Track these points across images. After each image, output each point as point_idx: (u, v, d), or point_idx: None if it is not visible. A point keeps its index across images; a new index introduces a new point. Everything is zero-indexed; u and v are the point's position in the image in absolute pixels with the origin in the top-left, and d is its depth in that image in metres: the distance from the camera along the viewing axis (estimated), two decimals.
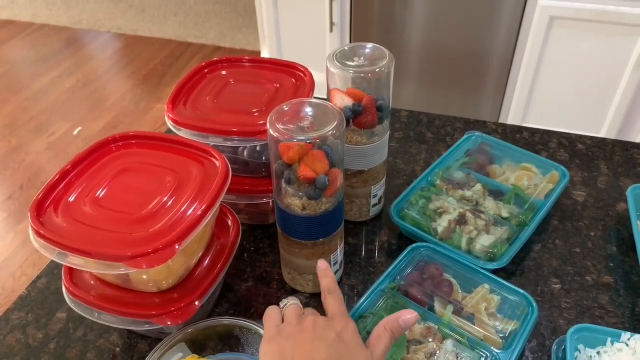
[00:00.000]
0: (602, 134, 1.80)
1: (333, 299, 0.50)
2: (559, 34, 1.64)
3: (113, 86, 2.69)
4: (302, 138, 0.54)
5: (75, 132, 2.37)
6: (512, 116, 1.85)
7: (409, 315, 0.48)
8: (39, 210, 0.53)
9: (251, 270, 0.70)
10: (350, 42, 1.88)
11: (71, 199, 0.55)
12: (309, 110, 0.57)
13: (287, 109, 0.57)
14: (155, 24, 3.13)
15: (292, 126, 0.55)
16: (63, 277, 0.59)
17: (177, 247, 0.50)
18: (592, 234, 0.73)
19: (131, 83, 2.69)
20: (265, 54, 2.04)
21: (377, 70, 0.63)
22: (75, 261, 0.49)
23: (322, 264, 0.56)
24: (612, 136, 1.78)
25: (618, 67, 1.65)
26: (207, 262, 0.62)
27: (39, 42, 3.06)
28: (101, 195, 0.56)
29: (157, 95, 2.58)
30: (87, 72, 2.79)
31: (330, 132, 0.54)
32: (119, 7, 3.33)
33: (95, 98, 2.59)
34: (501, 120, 1.89)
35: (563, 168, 0.77)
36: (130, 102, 2.54)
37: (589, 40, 1.62)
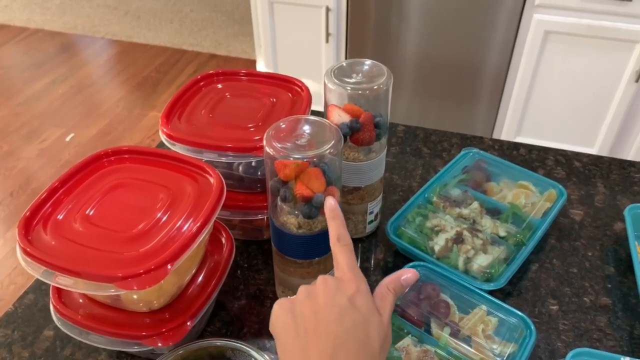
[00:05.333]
0: (595, 147, 1.80)
1: (342, 250, 0.47)
2: (554, 48, 1.64)
3: (107, 93, 2.67)
4: (299, 156, 0.53)
5: (68, 139, 2.35)
6: (506, 129, 1.85)
7: (409, 273, 0.48)
8: (27, 227, 0.51)
9: (244, 288, 0.69)
10: (346, 52, 1.87)
11: (61, 215, 0.54)
12: (306, 127, 0.56)
13: (283, 125, 0.56)
14: (151, 31, 3.12)
15: (288, 144, 0.54)
16: (51, 295, 0.57)
17: (169, 267, 0.49)
18: (590, 253, 0.72)
19: (125, 90, 2.67)
20: (260, 62, 2.03)
21: (375, 87, 0.63)
22: (63, 281, 0.48)
23: (330, 202, 0.51)
24: (605, 149, 1.79)
25: (612, 82, 1.66)
26: (199, 280, 0.60)
27: (33, 47, 3.04)
28: (92, 212, 0.54)
29: (151, 103, 2.56)
30: (80, 78, 2.77)
31: (327, 151, 0.53)
32: (114, 13, 3.32)
33: (88, 104, 2.58)
34: (495, 133, 1.90)
35: (560, 186, 0.77)
36: (124, 109, 2.53)
37: (583, 55, 1.63)
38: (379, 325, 0.42)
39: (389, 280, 0.47)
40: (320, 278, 0.45)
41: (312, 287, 0.44)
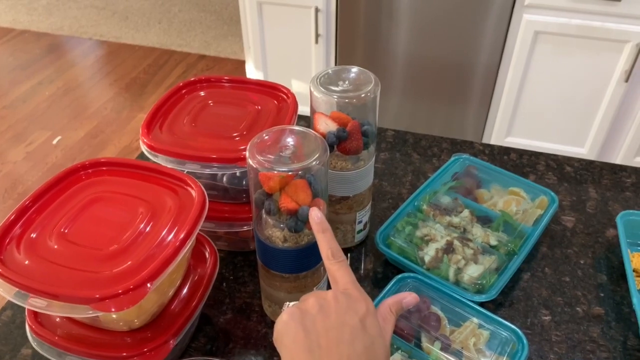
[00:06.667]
0: (586, 147, 1.80)
1: (340, 267, 0.46)
2: (544, 48, 1.64)
3: (94, 94, 2.63)
4: (284, 169, 0.51)
5: (55, 142, 2.31)
6: (496, 129, 1.84)
7: (410, 297, 0.48)
8: None
9: (230, 301, 0.67)
10: (336, 53, 1.86)
11: (35, 233, 0.52)
12: (290, 138, 0.54)
13: (267, 137, 0.54)
14: (139, 31, 3.09)
15: (272, 156, 0.52)
16: (27, 314, 0.55)
17: (149, 285, 0.47)
18: (582, 261, 0.71)
19: (113, 91, 2.63)
20: (249, 63, 2.01)
21: (362, 95, 0.61)
22: (37, 303, 0.46)
23: (315, 214, 0.49)
24: (595, 149, 1.79)
25: (602, 82, 1.65)
26: (182, 295, 0.58)
27: (19, 48, 2.99)
28: (68, 229, 0.52)
29: (140, 104, 2.53)
30: (68, 79, 2.73)
31: (313, 163, 0.51)
32: (101, 14, 3.28)
33: (75, 106, 2.54)
34: (486, 133, 1.89)
35: (552, 193, 0.75)
36: (112, 111, 2.49)
37: (573, 55, 1.62)
38: (384, 347, 0.42)
39: (391, 302, 0.47)
40: (331, 292, 0.44)
41: (323, 300, 0.43)
